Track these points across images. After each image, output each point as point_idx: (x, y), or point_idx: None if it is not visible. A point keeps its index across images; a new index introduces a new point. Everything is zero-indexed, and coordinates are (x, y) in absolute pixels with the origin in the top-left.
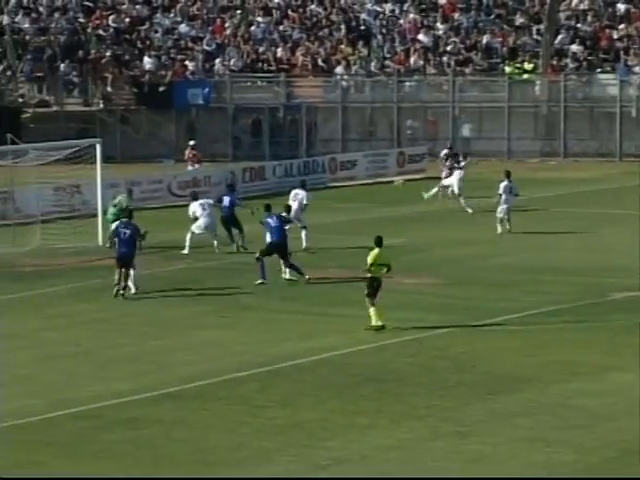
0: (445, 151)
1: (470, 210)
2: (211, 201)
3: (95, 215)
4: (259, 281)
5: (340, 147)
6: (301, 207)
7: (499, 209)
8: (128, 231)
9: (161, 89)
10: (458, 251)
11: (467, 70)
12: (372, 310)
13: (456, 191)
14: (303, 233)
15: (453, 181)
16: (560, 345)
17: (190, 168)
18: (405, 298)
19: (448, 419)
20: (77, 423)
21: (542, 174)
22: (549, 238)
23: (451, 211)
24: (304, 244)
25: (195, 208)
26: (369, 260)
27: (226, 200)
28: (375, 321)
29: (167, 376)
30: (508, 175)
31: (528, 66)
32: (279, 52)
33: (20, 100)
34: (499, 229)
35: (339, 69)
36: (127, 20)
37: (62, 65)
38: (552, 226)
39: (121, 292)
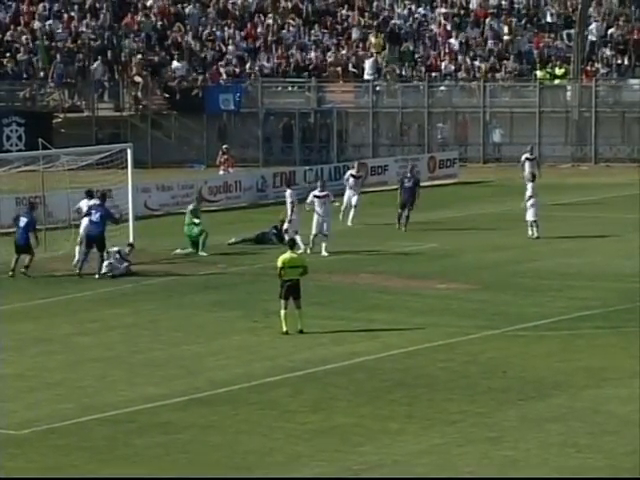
0: (526, 155)
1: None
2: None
3: (126, 220)
4: None
5: (371, 152)
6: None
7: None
8: (98, 213)
9: (193, 94)
10: (489, 256)
11: (498, 75)
12: (282, 313)
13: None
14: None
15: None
16: (591, 351)
17: (222, 173)
18: (437, 303)
19: (479, 424)
20: (109, 427)
21: (573, 179)
22: (580, 243)
23: (481, 216)
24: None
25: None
26: (278, 263)
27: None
28: (283, 326)
29: (198, 381)
30: (533, 178)
31: (559, 71)
32: (310, 57)
33: (52, 105)
34: (529, 232)
35: (368, 64)
36: (159, 25)
37: (93, 70)
38: (583, 231)
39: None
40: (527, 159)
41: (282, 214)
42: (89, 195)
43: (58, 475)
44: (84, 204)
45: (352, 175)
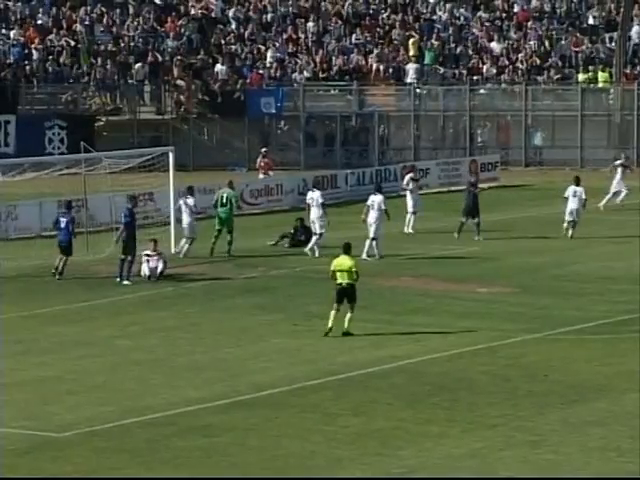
0: (620, 161)
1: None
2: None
3: (168, 223)
4: None
5: (412, 155)
6: (379, 213)
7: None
8: (64, 220)
9: (234, 97)
10: (530, 260)
11: (540, 78)
12: (332, 312)
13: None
14: (374, 243)
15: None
16: (633, 354)
17: (262, 176)
18: (478, 306)
19: (520, 428)
20: (150, 430)
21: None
22: (622, 246)
23: (522, 219)
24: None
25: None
26: (331, 267)
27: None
28: (329, 322)
29: (239, 384)
30: (577, 181)
31: (601, 74)
32: (352, 60)
33: (93, 108)
34: (569, 232)
35: (410, 67)
36: (200, 27)
37: (135, 73)
38: (625, 234)
39: (57, 276)
40: (622, 165)
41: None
42: (190, 191)
43: (96, 476)
44: (186, 201)
45: (412, 179)
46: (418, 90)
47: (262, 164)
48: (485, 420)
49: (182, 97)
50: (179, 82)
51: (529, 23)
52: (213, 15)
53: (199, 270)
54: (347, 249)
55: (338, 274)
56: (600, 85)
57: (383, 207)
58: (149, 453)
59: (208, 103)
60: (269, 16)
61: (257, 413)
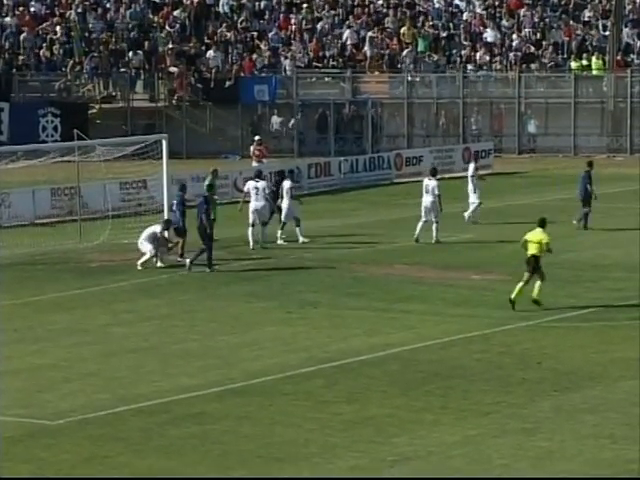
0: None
1: None
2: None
3: (161, 211)
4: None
5: (405, 143)
6: (435, 198)
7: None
8: (175, 201)
9: (227, 85)
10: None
11: (533, 66)
12: (520, 283)
13: None
14: (434, 227)
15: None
16: (627, 342)
17: (255, 164)
18: (472, 294)
19: (514, 415)
20: (144, 418)
21: (608, 170)
22: (616, 234)
23: (516, 207)
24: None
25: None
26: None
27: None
28: (514, 293)
29: (233, 372)
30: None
31: (594, 62)
32: (345, 47)
33: (87, 96)
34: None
35: (403, 54)
36: (193, 14)
37: (128, 61)
38: (619, 222)
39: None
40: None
41: None
42: (257, 176)
43: (91, 467)
44: (252, 185)
45: (476, 168)
46: (411, 78)
47: (256, 152)
48: (479, 407)
49: (175, 85)
50: (172, 69)
51: (522, 10)
52: (207, 2)
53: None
54: (542, 223)
55: (529, 245)
56: (593, 72)
57: (437, 192)
58: (143, 441)
59: (201, 91)
60: (262, 4)
61: (251, 401)
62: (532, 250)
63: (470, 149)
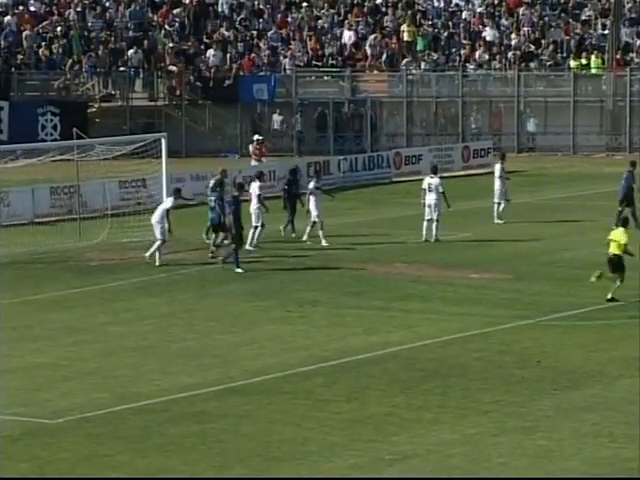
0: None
1: None
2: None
3: None
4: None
5: (405, 142)
6: (438, 195)
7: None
8: (212, 198)
9: (226, 84)
10: (523, 246)
11: (532, 65)
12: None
13: None
14: (434, 225)
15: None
16: (626, 340)
17: (254, 163)
18: (471, 293)
19: (513, 414)
20: (143, 417)
21: (608, 169)
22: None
23: (515, 205)
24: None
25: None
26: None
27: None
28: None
29: (232, 370)
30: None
31: (594, 61)
32: (344, 46)
33: (86, 95)
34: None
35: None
36: (192, 13)
37: (127, 59)
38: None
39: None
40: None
41: None
42: (258, 177)
43: (92, 464)
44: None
45: (502, 168)
46: (410, 76)
47: (256, 151)
48: (478, 406)
49: (174, 83)
50: (171, 68)
51: (521, 9)
52: (206, 1)
53: (192, 257)
54: (624, 223)
55: (611, 244)
56: (592, 71)
57: (441, 190)
58: (142, 439)
59: (200, 89)
60: (262, 3)
61: (250, 399)
62: (613, 249)
63: (469, 147)
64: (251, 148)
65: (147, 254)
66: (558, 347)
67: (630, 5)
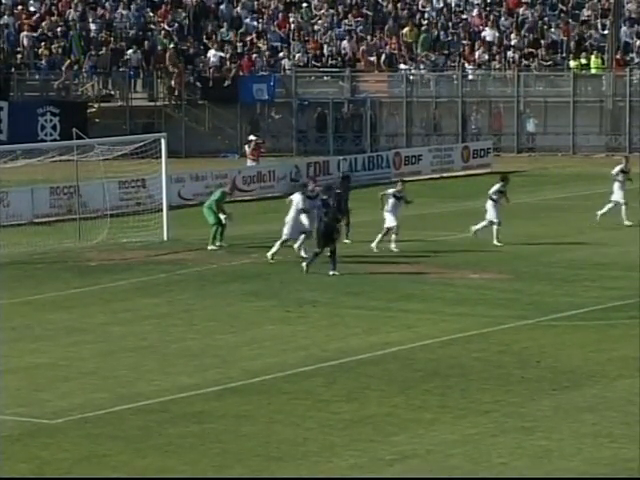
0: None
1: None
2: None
3: (160, 210)
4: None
5: (404, 142)
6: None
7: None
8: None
9: (226, 84)
10: (523, 246)
11: (532, 65)
12: None
13: None
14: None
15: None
16: (626, 340)
17: (249, 164)
18: (470, 293)
19: (513, 414)
20: (142, 417)
21: (608, 169)
22: (615, 233)
23: (515, 206)
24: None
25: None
26: None
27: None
28: None
29: (232, 370)
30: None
31: (593, 61)
32: (344, 46)
33: (86, 95)
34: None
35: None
36: (192, 14)
37: (127, 60)
38: (618, 221)
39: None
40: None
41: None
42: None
43: (91, 465)
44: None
45: (622, 170)
46: (410, 77)
47: (254, 152)
48: (477, 406)
49: (174, 84)
50: (171, 69)
51: (521, 9)
52: (206, 2)
53: (191, 257)
54: None
55: None
56: (592, 71)
57: (495, 197)
58: (142, 440)
59: (200, 90)
60: (262, 3)
61: (250, 399)
62: None
63: (469, 148)
64: (247, 148)
65: (295, 246)
66: (557, 347)
67: (630, 5)
